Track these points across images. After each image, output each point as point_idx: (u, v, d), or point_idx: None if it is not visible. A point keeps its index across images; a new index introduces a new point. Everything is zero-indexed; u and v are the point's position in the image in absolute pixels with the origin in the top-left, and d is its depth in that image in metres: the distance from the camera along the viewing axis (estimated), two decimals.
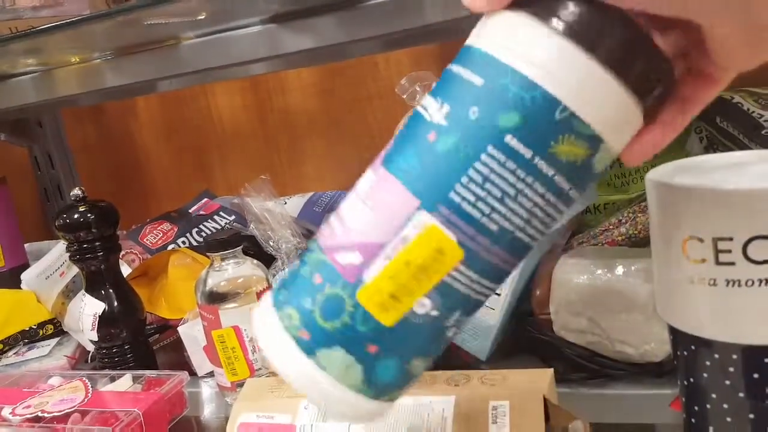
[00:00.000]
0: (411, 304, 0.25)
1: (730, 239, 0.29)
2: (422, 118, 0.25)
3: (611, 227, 0.66)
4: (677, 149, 0.64)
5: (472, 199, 0.24)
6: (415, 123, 0.26)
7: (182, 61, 0.58)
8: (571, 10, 0.23)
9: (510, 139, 0.23)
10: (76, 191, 0.57)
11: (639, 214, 0.64)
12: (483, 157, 0.24)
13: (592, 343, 0.49)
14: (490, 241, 0.24)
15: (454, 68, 0.25)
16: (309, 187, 0.91)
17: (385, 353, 0.25)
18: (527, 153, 0.23)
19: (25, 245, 0.90)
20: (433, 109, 0.25)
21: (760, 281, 0.29)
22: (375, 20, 0.51)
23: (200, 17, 0.47)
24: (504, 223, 0.24)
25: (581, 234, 0.66)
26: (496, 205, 0.24)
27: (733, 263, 0.29)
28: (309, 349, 0.25)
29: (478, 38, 0.25)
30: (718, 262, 0.30)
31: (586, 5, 0.23)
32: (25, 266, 0.84)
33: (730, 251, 0.29)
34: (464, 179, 0.24)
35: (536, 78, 0.23)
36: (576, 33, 0.23)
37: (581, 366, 0.49)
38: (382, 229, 0.25)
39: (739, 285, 0.30)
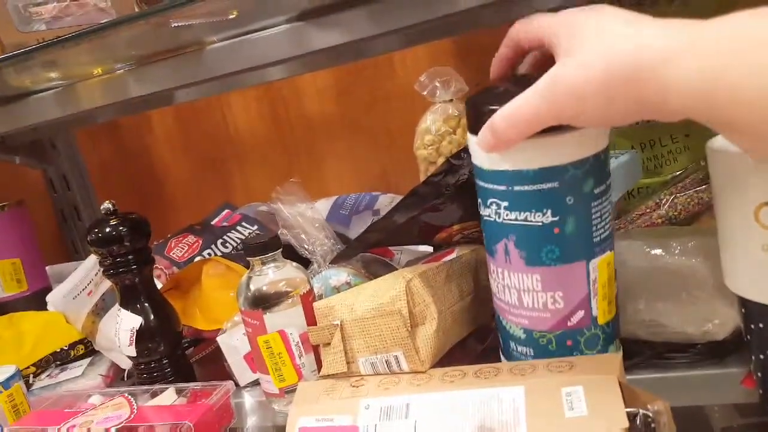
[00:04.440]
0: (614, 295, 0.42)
1: None
2: (538, 230, 0.39)
3: (648, 210, 0.64)
4: None
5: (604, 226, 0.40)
6: (533, 234, 0.39)
7: (206, 67, 0.57)
8: None
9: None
10: (107, 204, 0.56)
11: (678, 196, 0.62)
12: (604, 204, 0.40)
13: (649, 325, 0.47)
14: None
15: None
16: (329, 190, 0.90)
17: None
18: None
19: (45, 268, 0.89)
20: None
21: None
22: (403, 11, 0.50)
23: (231, 16, 0.46)
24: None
25: (617, 220, 0.65)
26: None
27: None
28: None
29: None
30: None
31: None
32: (48, 289, 0.83)
33: None
34: (595, 225, 0.39)
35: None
36: None
37: (637, 351, 0.48)
38: (579, 291, 0.40)
39: None
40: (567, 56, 0.31)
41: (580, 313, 0.40)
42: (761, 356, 0.38)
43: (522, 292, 0.40)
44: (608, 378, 0.36)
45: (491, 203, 0.40)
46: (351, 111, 0.93)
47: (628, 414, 0.33)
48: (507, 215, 0.39)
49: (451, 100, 0.75)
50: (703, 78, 0.27)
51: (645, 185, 0.68)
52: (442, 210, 0.55)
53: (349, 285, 0.58)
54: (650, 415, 0.34)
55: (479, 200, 0.41)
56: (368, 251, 0.66)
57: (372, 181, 0.92)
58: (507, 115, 0.34)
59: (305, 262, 0.62)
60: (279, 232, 0.64)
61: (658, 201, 0.64)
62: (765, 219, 0.33)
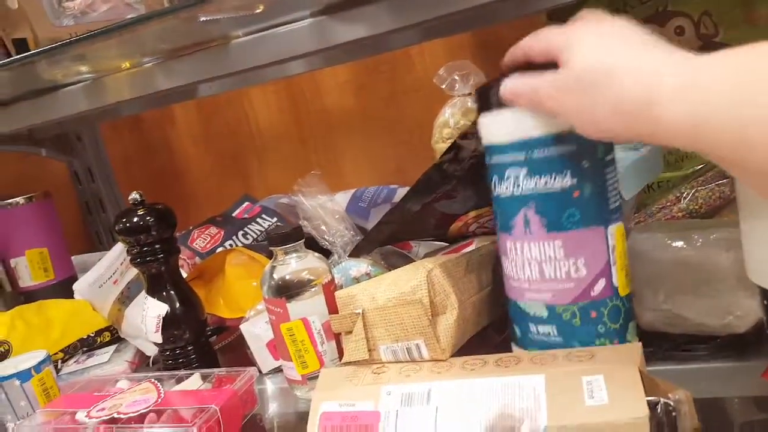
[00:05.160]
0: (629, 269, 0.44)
1: None
2: (558, 194, 0.41)
3: (669, 204, 0.64)
4: None
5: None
6: (553, 199, 0.41)
7: (231, 61, 0.58)
8: None
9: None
10: (135, 195, 0.58)
11: (699, 189, 0.62)
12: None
13: (669, 317, 0.47)
14: None
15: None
16: (347, 183, 0.91)
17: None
18: None
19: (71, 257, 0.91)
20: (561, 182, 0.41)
21: None
22: (423, 5, 0.51)
23: (257, 11, 0.47)
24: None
25: (637, 213, 0.65)
26: None
27: None
28: None
29: None
30: None
31: None
32: (73, 278, 0.85)
33: None
34: (609, 191, 0.42)
35: None
36: None
37: (656, 343, 0.48)
38: (600, 257, 0.41)
39: None
40: (567, 68, 0.34)
41: (602, 282, 0.41)
42: None
43: (543, 263, 0.41)
44: (629, 367, 0.36)
45: (509, 176, 0.41)
46: (369, 105, 0.94)
47: (649, 402, 0.34)
48: (526, 184, 0.41)
49: (470, 94, 0.75)
50: (693, 114, 0.28)
51: (665, 179, 0.67)
52: (456, 197, 0.55)
53: (368, 276, 0.59)
54: (671, 404, 0.34)
55: (493, 180, 0.43)
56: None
57: (389, 175, 0.93)
58: (531, 86, 0.37)
59: (326, 253, 0.63)
60: (300, 223, 0.65)
61: (678, 195, 0.63)
62: None
